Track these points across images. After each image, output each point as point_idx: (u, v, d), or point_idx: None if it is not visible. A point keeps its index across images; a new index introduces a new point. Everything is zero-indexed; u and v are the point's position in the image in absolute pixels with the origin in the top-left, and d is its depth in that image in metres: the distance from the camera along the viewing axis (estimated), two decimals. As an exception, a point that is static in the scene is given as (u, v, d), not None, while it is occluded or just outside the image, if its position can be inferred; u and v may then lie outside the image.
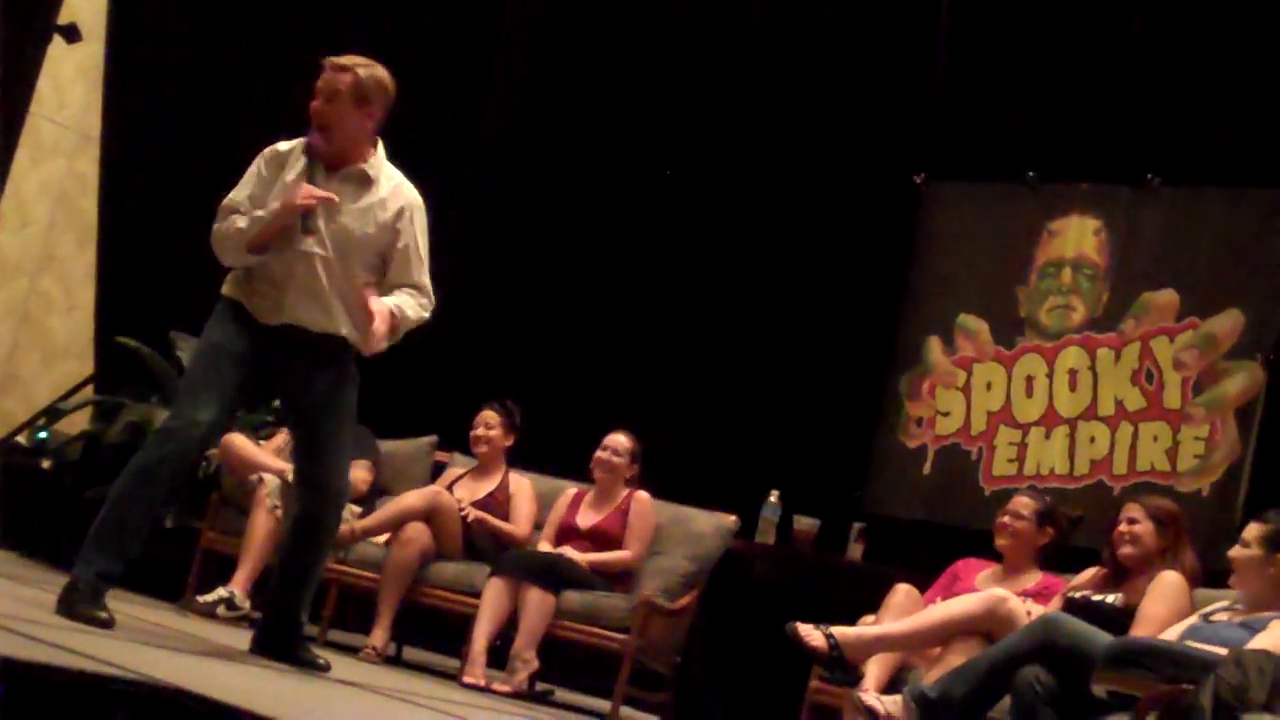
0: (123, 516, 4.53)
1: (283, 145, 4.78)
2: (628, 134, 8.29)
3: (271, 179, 4.71)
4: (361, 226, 4.69)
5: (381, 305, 4.60)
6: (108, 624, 4.29)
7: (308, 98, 4.74)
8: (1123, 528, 5.20)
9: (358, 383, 4.85)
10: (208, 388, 4.61)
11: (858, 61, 7.86)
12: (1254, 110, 6.85)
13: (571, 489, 6.54)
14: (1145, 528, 5.17)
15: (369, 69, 4.71)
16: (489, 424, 6.67)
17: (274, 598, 4.92)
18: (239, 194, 4.71)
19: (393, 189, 4.77)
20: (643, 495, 6.35)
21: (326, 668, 4.78)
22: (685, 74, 8.21)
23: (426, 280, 4.80)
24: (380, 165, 4.78)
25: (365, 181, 4.72)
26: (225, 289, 4.78)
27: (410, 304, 4.70)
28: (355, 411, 4.88)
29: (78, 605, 4.34)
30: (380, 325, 4.57)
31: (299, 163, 4.70)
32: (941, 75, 7.65)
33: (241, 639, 4.92)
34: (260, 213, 4.64)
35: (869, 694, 4.83)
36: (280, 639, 4.81)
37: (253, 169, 4.76)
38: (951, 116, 7.64)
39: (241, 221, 4.64)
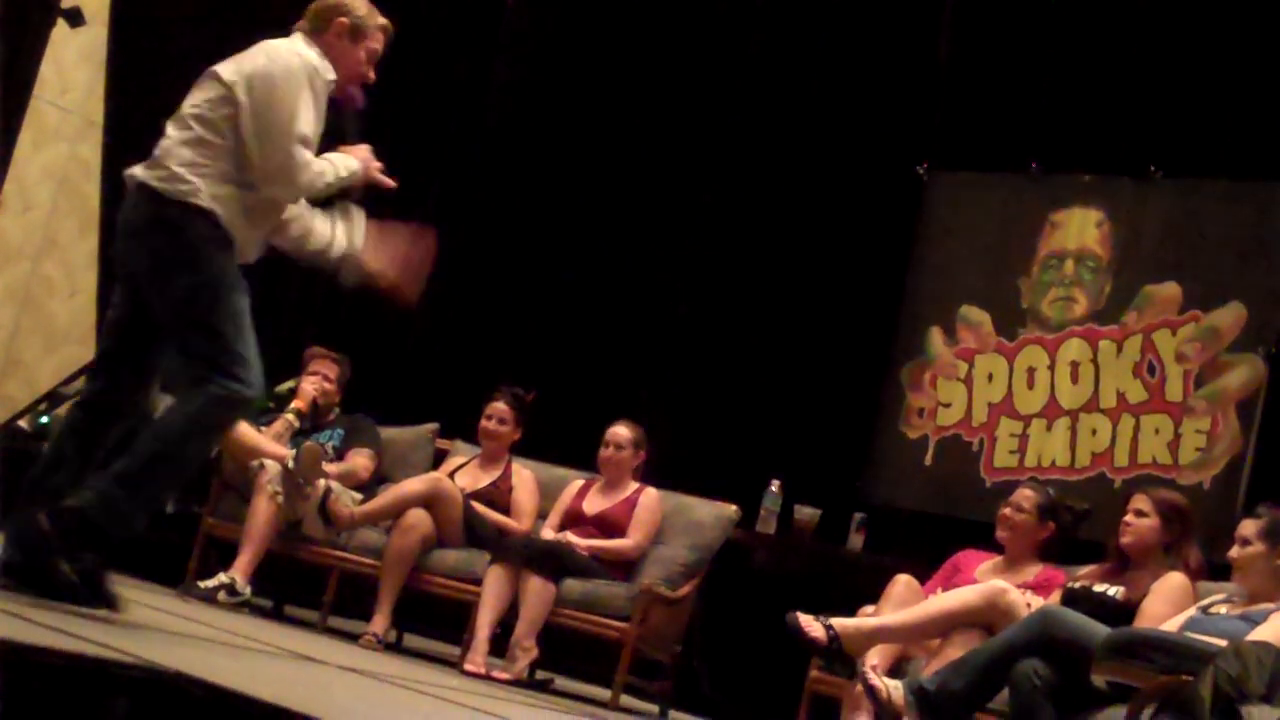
0: (172, 472, 4.22)
1: (317, 62, 4.40)
2: (631, 122, 8.27)
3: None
4: None
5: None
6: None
7: None
8: (1129, 518, 5.18)
9: None
10: (255, 352, 4.17)
11: (861, 51, 7.85)
12: (1257, 103, 6.85)
13: (579, 479, 6.54)
14: (1151, 521, 5.14)
15: None
16: (501, 418, 6.61)
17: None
18: (311, 127, 4.26)
19: None
20: (652, 491, 6.36)
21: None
22: (688, 62, 8.20)
23: None
24: None
25: None
26: (216, 207, 4.16)
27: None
28: None
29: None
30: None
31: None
32: (945, 65, 7.65)
33: (242, 625, 4.91)
34: (338, 168, 4.36)
35: (873, 673, 4.77)
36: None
37: (306, 92, 4.26)
38: (955, 107, 7.64)
39: (329, 173, 4.31)
